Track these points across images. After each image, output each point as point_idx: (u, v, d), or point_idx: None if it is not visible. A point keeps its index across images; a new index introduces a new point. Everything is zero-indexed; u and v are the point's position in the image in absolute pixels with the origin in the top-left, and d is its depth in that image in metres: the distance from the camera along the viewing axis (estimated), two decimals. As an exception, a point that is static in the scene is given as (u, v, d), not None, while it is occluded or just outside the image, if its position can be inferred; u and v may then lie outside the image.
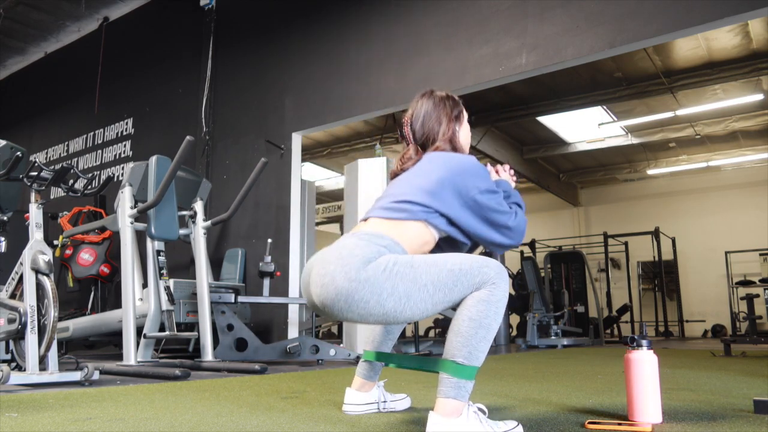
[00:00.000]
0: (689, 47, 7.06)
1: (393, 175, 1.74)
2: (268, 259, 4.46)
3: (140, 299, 4.01)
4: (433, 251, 1.68)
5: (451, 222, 1.59)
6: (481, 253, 1.66)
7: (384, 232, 1.51)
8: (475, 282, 1.38)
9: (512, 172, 1.85)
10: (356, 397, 1.79)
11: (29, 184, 2.91)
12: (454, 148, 1.71)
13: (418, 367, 1.62)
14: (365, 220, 1.62)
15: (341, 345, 4.93)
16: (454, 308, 1.43)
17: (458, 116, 1.75)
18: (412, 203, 1.55)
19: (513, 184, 1.80)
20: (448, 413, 1.34)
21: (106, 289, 5.57)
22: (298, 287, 5.24)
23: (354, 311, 1.40)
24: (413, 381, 2.72)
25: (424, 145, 1.72)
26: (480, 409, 1.42)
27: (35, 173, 2.89)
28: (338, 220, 13.38)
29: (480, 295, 1.38)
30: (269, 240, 4.72)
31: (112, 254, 5.43)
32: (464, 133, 1.77)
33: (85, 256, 5.36)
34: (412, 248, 1.55)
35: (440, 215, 1.57)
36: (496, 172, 1.83)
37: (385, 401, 1.81)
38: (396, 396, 1.88)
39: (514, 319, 9.52)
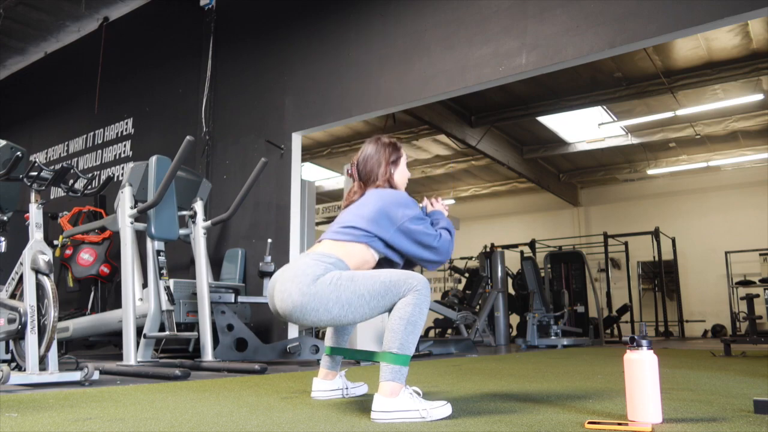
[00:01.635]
0: (689, 47, 7.06)
1: (344, 206, 2.14)
2: (268, 259, 4.46)
3: (140, 299, 4.01)
4: (373, 269, 2.04)
5: (387, 245, 1.97)
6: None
7: (332, 252, 1.89)
8: (402, 290, 1.75)
9: (444, 203, 2.23)
10: (322, 384, 2.16)
11: (29, 184, 2.91)
12: (391, 186, 2.11)
13: (364, 358, 2.06)
14: (320, 241, 1.99)
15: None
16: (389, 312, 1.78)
17: (395, 161, 2.13)
18: (355, 228, 1.94)
19: (446, 213, 2.18)
20: (389, 393, 1.67)
21: (106, 289, 5.57)
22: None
23: (308, 318, 1.78)
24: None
25: (366, 182, 2.12)
26: (415, 391, 1.74)
27: (35, 173, 2.89)
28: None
29: (407, 299, 1.74)
30: (269, 240, 4.72)
31: (112, 254, 5.43)
32: (400, 174, 2.15)
33: (85, 256, 5.36)
34: (354, 265, 1.91)
35: (378, 239, 1.95)
36: (431, 203, 2.22)
37: (347, 388, 2.19)
38: (355, 384, 2.25)
39: (514, 319, 9.52)
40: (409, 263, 2.12)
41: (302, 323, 1.82)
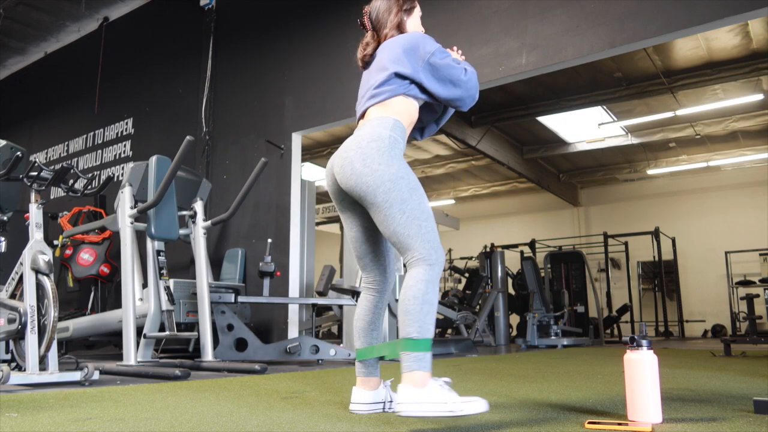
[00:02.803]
0: (689, 47, 7.05)
1: (361, 65, 2.00)
2: (268, 259, 4.46)
3: (140, 299, 4.01)
4: (416, 125, 2.02)
5: (422, 89, 1.85)
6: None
7: (385, 114, 1.79)
8: (425, 246, 1.63)
9: (460, 52, 2.08)
10: (363, 396, 1.82)
11: (29, 184, 2.91)
12: (401, 33, 1.96)
13: (384, 353, 1.80)
14: (363, 115, 1.89)
15: (341, 345, 4.93)
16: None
17: (409, 9, 2.00)
18: (387, 83, 1.83)
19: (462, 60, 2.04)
20: (416, 383, 1.51)
21: (106, 289, 5.57)
22: (298, 287, 5.24)
23: (362, 183, 1.68)
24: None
25: (378, 30, 1.97)
26: (446, 382, 1.56)
27: (35, 173, 2.89)
28: (338, 220, 13.36)
29: (418, 273, 1.61)
30: (269, 240, 4.72)
31: (112, 254, 5.43)
32: (412, 23, 2.00)
33: (85, 256, 5.36)
34: (407, 122, 1.83)
35: (411, 82, 1.83)
36: None
37: (391, 401, 1.84)
38: None
39: (514, 319, 9.51)
40: (443, 114, 2.07)
41: (352, 189, 1.71)
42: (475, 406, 1.50)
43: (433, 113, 2.06)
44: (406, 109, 1.83)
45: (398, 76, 1.82)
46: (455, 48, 2.09)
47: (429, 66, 1.82)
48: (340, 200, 1.88)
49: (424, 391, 1.50)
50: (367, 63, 1.97)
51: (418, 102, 1.89)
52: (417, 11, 2.02)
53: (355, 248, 1.91)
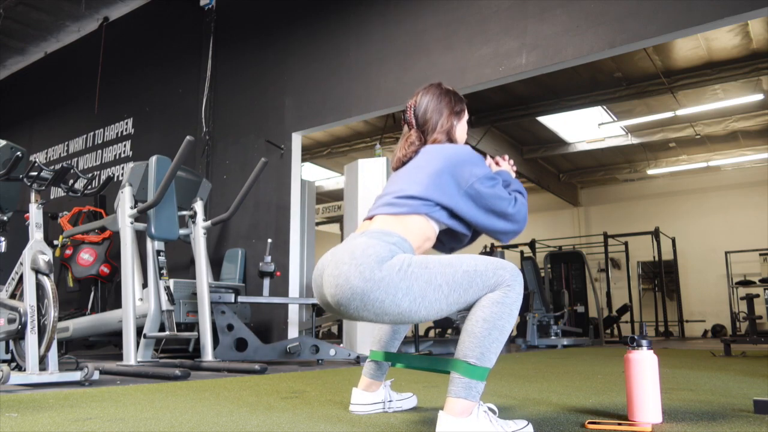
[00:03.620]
0: (689, 47, 7.06)
1: (397, 164, 1.76)
2: (268, 259, 4.46)
3: (140, 299, 4.01)
4: (435, 246, 1.73)
5: (452, 214, 1.61)
6: (482, 253, 1.68)
7: (391, 229, 1.54)
8: (490, 284, 1.40)
9: (512, 162, 1.90)
10: (363, 397, 1.79)
11: (29, 184, 2.91)
12: (450, 140, 1.76)
13: (428, 368, 1.63)
14: (370, 218, 1.65)
15: (341, 345, 4.93)
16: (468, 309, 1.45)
17: (459, 112, 1.80)
18: (412, 198, 1.58)
19: (513, 174, 1.84)
20: (458, 413, 1.34)
21: (106, 289, 5.57)
22: (298, 287, 5.24)
23: (370, 310, 1.43)
24: (414, 381, 2.72)
25: (425, 131, 1.76)
26: (490, 409, 1.43)
27: (35, 173, 2.89)
28: (338, 220, 13.38)
29: (494, 296, 1.39)
30: (269, 240, 4.72)
31: (112, 254, 5.43)
32: (461, 129, 1.81)
33: (85, 256, 5.36)
34: (417, 244, 1.58)
35: (441, 207, 1.59)
36: (496, 163, 1.88)
37: (391, 401, 1.82)
38: (402, 395, 1.88)
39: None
40: (475, 235, 1.75)
41: (360, 316, 1.46)
42: None
43: (457, 242, 1.79)
44: (422, 232, 1.60)
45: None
46: (506, 157, 1.90)
47: (472, 192, 1.59)
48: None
49: (468, 421, 1.35)
50: (403, 164, 1.74)
51: (440, 227, 1.65)
52: (465, 116, 1.84)
53: None
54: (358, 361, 4.13)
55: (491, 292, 1.40)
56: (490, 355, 1.37)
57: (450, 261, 1.44)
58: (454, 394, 1.36)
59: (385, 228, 1.55)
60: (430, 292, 1.41)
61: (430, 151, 1.67)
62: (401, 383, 2.59)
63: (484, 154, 1.78)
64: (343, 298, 1.44)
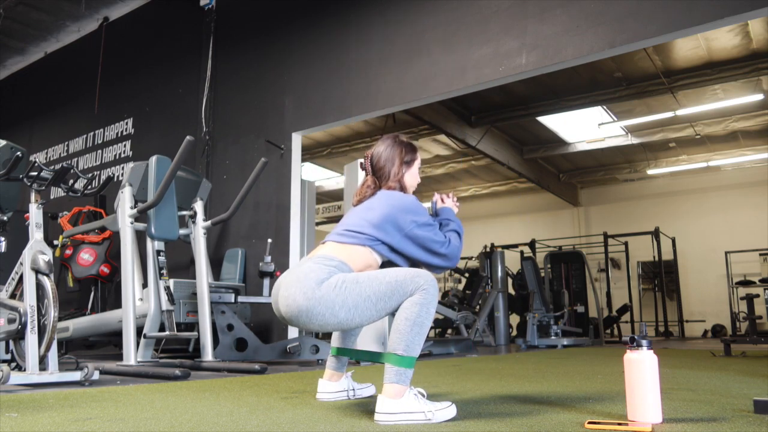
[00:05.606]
0: (689, 47, 7.06)
1: (355, 202, 2.09)
2: (268, 259, 4.46)
3: (140, 299, 4.01)
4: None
5: (392, 249, 1.94)
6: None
7: (335, 255, 1.86)
8: (409, 290, 1.71)
9: (455, 199, 2.22)
10: (328, 386, 2.12)
11: (29, 184, 2.91)
12: (401, 187, 2.08)
13: (369, 359, 2.00)
14: (324, 243, 1.98)
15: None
16: (394, 313, 1.76)
17: (409, 162, 2.10)
18: (360, 233, 1.91)
19: (456, 210, 2.16)
20: (393, 395, 1.64)
21: (106, 289, 5.57)
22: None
23: (314, 322, 1.76)
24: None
25: (380, 178, 2.09)
26: (420, 392, 1.70)
27: (35, 173, 2.89)
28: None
29: (414, 299, 1.71)
30: (269, 240, 4.72)
31: (112, 254, 5.43)
32: (411, 176, 2.12)
33: (85, 256, 5.36)
34: (358, 268, 1.89)
35: (383, 244, 1.92)
36: (442, 200, 2.20)
37: (353, 389, 2.15)
38: (362, 385, 2.20)
39: (514, 319, 9.51)
40: (414, 265, 2.06)
41: (308, 327, 1.79)
42: (448, 412, 1.67)
43: (409, 262, 2.05)
44: (364, 259, 1.91)
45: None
46: (450, 194, 2.22)
47: (411, 235, 1.93)
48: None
49: (401, 401, 1.63)
50: (360, 202, 2.06)
51: (382, 258, 1.97)
52: (417, 163, 2.13)
53: None
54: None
55: (411, 296, 1.71)
56: (415, 347, 1.68)
57: (376, 275, 1.77)
58: (388, 380, 1.66)
59: (329, 254, 1.87)
60: (362, 302, 1.73)
61: (381, 197, 2.00)
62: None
63: (430, 197, 2.16)
64: (293, 314, 1.77)
